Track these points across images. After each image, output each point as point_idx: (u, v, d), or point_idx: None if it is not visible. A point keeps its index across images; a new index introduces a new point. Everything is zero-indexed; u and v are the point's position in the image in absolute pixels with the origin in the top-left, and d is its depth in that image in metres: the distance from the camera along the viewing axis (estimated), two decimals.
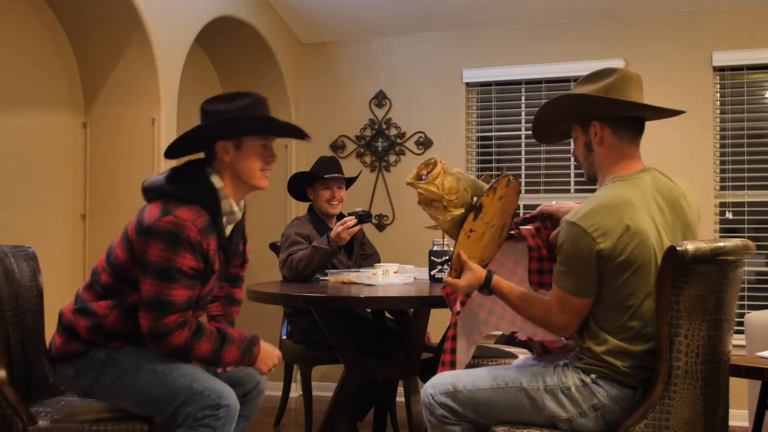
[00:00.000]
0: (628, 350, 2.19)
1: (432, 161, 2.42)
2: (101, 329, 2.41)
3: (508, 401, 2.29)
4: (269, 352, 2.53)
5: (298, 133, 2.52)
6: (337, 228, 3.67)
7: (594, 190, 2.34)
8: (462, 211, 2.37)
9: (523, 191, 5.08)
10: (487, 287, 2.40)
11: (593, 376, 2.21)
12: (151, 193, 2.43)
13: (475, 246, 2.42)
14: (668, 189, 2.30)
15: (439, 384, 2.39)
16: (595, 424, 2.21)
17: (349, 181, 4.17)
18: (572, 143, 2.45)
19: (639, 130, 2.33)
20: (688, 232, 2.28)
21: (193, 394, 2.33)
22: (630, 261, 2.15)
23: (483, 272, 2.40)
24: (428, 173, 2.40)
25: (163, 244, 2.28)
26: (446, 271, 2.49)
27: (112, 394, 2.45)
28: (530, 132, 4.99)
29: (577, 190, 4.93)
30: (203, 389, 2.34)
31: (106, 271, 2.45)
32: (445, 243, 3.55)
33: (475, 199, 2.39)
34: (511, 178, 2.44)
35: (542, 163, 5.07)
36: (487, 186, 2.43)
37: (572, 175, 4.96)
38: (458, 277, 2.42)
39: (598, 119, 2.29)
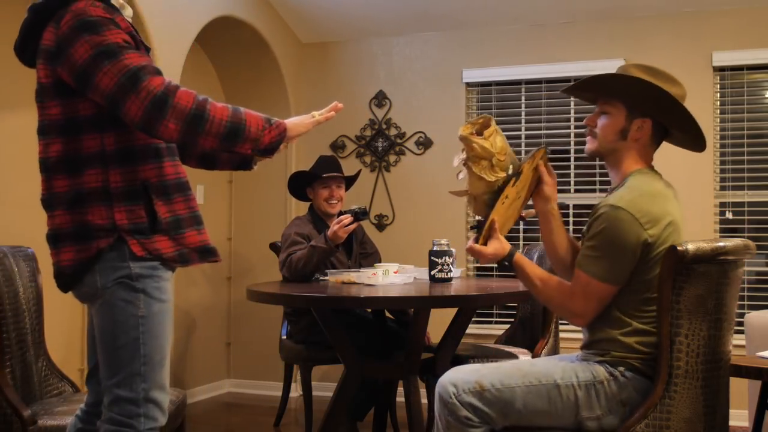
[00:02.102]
0: (648, 331, 2.18)
1: (482, 120, 2.34)
2: (113, 199, 2.02)
3: (542, 400, 2.20)
4: (297, 119, 2.15)
5: None
6: (333, 226, 3.67)
7: (591, 168, 2.32)
8: (503, 175, 2.30)
9: None
10: (508, 260, 2.32)
11: (621, 368, 2.19)
12: (32, 30, 2.12)
13: (504, 214, 2.35)
14: (677, 193, 2.35)
15: (462, 382, 2.23)
16: (621, 420, 2.18)
17: (349, 181, 4.17)
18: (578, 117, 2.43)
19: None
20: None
21: (134, 376, 2.03)
22: None
23: (508, 245, 2.32)
24: (478, 131, 2.31)
25: (84, 34, 1.93)
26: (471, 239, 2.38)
27: (99, 308, 2.08)
28: (530, 132, 5.06)
29: (577, 190, 4.93)
30: (150, 386, 2.04)
31: (51, 142, 2.05)
32: (445, 243, 3.55)
33: (511, 166, 2.32)
34: (546, 150, 2.39)
35: None
36: (510, 153, 2.36)
37: (572, 175, 4.96)
38: (485, 244, 2.32)
39: (653, 119, 2.26)
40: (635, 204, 2.15)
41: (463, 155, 2.32)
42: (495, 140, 2.29)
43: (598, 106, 2.34)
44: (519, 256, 2.32)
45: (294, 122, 2.13)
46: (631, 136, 2.27)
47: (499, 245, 2.31)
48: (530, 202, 2.48)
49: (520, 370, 2.27)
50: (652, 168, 2.32)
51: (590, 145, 2.36)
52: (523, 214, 2.53)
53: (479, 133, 2.31)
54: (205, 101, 1.97)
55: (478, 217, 2.56)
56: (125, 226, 2.02)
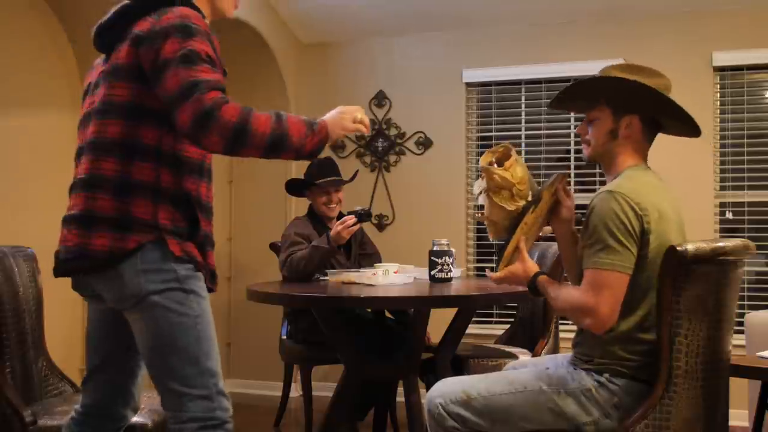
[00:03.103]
0: (633, 337, 2.16)
1: (502, 149, 2.37)
2: (161, 197, 2.04)
3: (529, 406, 2.20)
4: (342, 112, 2.17)
5: None
6: (336, 227, 3.67)
7: (591, 168, 2.31)
8: (523, 203, 2.33)
9: None
10: (532, 283, 2.29)
11: (606, 375, 2.18)
12: (125, 18, 2.12)
13: (524, 239, 2.36)
14: (671, 190, 2.33)
15: (448, 392, 2.26)
16: (619, 424, 2.16)
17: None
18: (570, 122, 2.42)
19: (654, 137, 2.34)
20: (684, 235, 2.29)
21: (208, 374, 2.05)
22: (665, 246, 2.12)
23: (533, 269, 2.30)
24: (498, 159, 2.34)
25: (175, 36, 1.99)
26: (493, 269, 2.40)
27: (149, 313, 2.04)
28: (530, 132, 5.06)
29: (577, 190, 4.93)
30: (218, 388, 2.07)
31: (110, 122, 2.05)
32: (445, 243, 3.55)
33: (530, 193, 2.34)
34: (566, 175, 2.41)
35: (542, 163, 5.07)
36: (530, 180, 2.39)
37: (572, 175, 4.96)
38: (505, 266, 2.32)
39: (640, 114, 2.26)
40: (631, 190, 2.15)
41: (484, 184, 2.36)
42: (515, 170, 2.32)
43: (586, 114, 2.35)
44: (542, 279, 2.28)
45: (334, 123, 2.14)
46: (621, 135, 2.27)
47: (522, 269, 2.30)
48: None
49: (506, 377, 2.28)
50: (646, 166, 2.31)
51: (586, 151, 2.37)
52: (541, 234, 2.55)
53: (499, 163, 2.34)
54: (249, 115, 1.99)
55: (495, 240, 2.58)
56: (167, 226, 2.03)
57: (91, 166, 2.06)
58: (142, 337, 2.07)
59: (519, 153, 5.08)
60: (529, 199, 2.34)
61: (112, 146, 2.04)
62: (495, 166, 2.35)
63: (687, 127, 2.32)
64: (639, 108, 2.26)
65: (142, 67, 2.03)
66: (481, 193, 2.39)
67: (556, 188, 2.35)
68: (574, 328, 2.33)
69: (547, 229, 2.54)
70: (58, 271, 2.15)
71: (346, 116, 2.17)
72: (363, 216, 3.68)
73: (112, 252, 2.01)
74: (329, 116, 2.15)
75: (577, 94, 2.36)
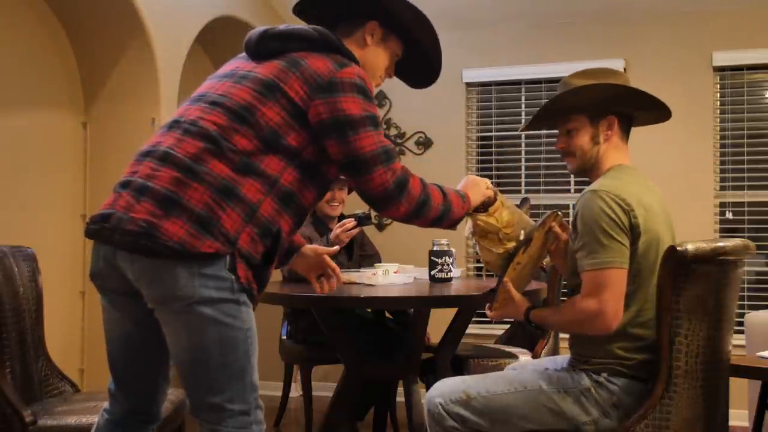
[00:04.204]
0: (628, 333, 2.16)
1: (490, 192, 2.36)
2: (252, 220, 1.93)
3: (529, 405, 2.21)
4: (476, 181, 2.33)
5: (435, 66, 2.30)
6: (336, 230, 3.67)
7: (587, 185, 2.32)
8: (512, 244, 2.32)
9: (522, 191, 5.08)
10: (527, 321, 2.32)
11: (605, 375, 2.18)
12: (298, 41, 2.04)
13: (517, 277, 2.37)
14: (656, 187, 2.34)
15: (447, 392, 2.27)
16: (619, 423, 2.17)
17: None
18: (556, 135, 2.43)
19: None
20: (672, 230, 2.29)
21: (247, 392, 1.98)
22: (653, 240, 2.13)
23: (524, 306, 2.32)
24: (484, 204, 2.33)
25: (358, 95, 2.00)
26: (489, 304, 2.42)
27: (193, 322, 1.89)
28: (530, 132, 5.05)
29: (577, 190, 4.93)
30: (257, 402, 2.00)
31: (243, 133, 1.95)
32: (445, 243, 3.55)
33: (522, 232, 2.34)
34: (559, 213, 2.41)
35: (542, 163, 5.07)
36: (526, 216, 2.41)
37: (571, 174, 4.95)
38: (500, 306, 2.35)
39: (617, 113, 2.28)
40: (614, 187, 2.16)
41: (472, 228, 2.37)
42: (501, 215, 2.32)
43: (559, 128, 2.38)
44: (535, 312, 2.30)
45: (475, 191, 2.28)
46: (603, 138, 2.30)
47: (514, 308, 2.33)
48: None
49: (506, 377, 2.29)
50: (628, 165, 2.32)
51: (572, 165, 2.38)
52: (543, 265, 2.55)
53: (485, 207, 2.33)
54: (427, 187, 2.09)
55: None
56: (242, 249, 1.92)
57: (200, 155, 1.92)
58: (182, 346, 1.93)
59: (518, 153, 5.12)
60: (521, 238, 2.32)
61: (233, 155, 1.92)
62: (482, 210, 2.33)
63: (660, 113, 2.35)
64: (614, 107, 2.29)
65: (306, 112, 1.98)
66: (469, 235, 2.41)
67: (549, 227, 2.35)
68: None
69: (549, 261, 2.55)
70: (100, 236, 1.95)
71: (482, 184, 2.32)
72: (363, 219, 3.68)
73: (182, 245, 1.83)
74: (467, 186, 2.29)
75: (551, 113, 2.39)
